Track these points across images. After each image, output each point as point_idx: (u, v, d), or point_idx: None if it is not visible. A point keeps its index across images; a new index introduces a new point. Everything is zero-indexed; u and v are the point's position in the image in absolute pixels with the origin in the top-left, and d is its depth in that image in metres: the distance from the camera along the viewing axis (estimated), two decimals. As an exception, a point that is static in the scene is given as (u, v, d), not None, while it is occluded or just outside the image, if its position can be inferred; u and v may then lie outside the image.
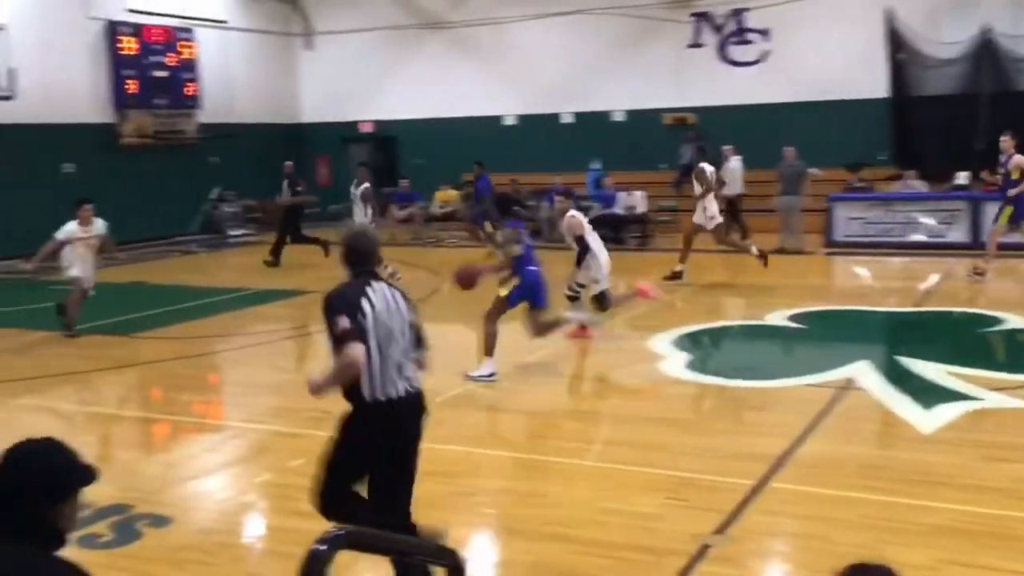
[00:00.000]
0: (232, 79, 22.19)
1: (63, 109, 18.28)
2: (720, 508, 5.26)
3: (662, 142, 20.08)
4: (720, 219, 13.40)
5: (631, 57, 20.60)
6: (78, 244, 10.86)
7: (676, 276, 13.19)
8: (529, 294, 8.47)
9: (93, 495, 5.48)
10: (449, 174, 20.93)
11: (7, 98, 16.13)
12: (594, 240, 9.91)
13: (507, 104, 21.87)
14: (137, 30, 19.79)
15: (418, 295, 12.97)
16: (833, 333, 10.49)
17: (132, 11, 19.77)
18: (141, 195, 18.94)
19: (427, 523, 4.24)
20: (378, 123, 23.40)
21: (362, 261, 4.31)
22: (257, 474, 6.30)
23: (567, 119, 21.54)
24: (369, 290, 4.15)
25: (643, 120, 20.50)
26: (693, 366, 8.71)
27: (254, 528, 5.58)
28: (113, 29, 19.37)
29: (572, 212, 9.96)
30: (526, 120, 21.83)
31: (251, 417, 7.68)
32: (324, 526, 2.47)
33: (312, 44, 24.07)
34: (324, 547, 2.31)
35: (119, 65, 19.47)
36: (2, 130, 17.03)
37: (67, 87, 18.46)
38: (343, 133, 23.79)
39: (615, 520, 5.21)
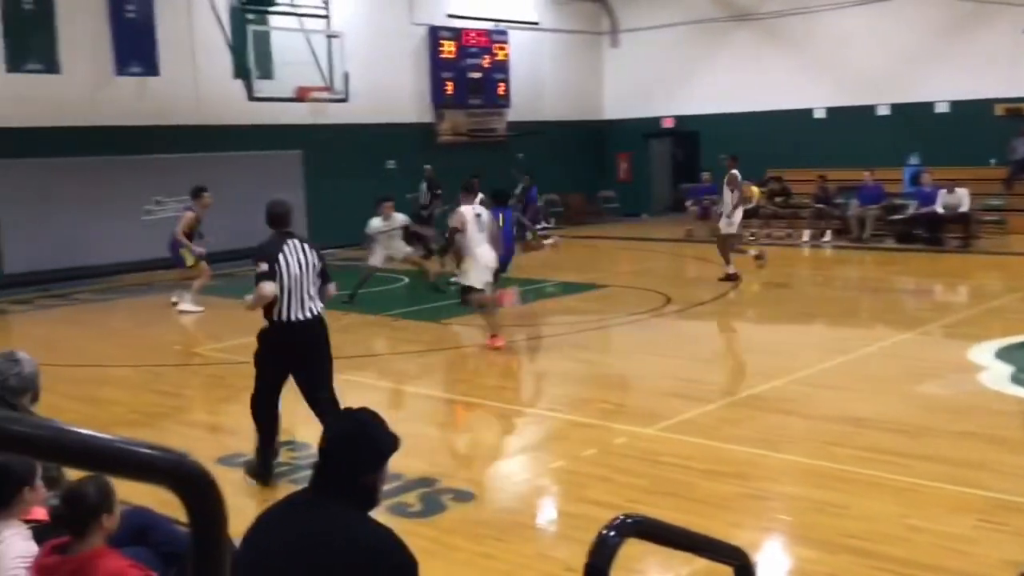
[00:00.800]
0: (540, 78, 22.97)
1: (388, 109, 19.80)
2: (1045, 537, 4.77)
3: (992, 135, 18.39)
4: (735, 230, 13.39)
5: (958, 43, 19.05)
6: (382, 236, 12.77)
7: (731, 278, 13.24)
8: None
9: (404, 468, 5.92)
10: (753, 169, 20.37)
11: (342, 100, 17.69)
12: (477, 238, 9.65)
13: (817, 96, 20.97)
14: (456, 34, 21.01)
15: (715, 293, 12.85)
16: None
17: (452, 16, 21.02)
18: (454, 190, 20.08)
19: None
20: (680, 118, 23.28)
21: (279, 223, 5.89)
22: (552, 460, 6.50)
23: (883, 111, 20.30)
24: (284, 245, 5.76)
25: (970, 111, 18.88)
26: (1020, 380, 7.92)
27: (547, 511, 5.76)
28: (435, 34, 20.70)
29: (461, 209, 9.81)
30: (837, 112, 20.82)
31: (549, 405, 7.94)
32: (613, 514, 2.51)
33: (617, 42, 24.37)
34: (613, 534, 2.34)
35: (439, 67, 20.78)
36: (338, 129, 18.74)
37: (393, 89, 19.97)
38: (644, 129, 23.90)
39: (921, 539, 4.87)
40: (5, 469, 3.33)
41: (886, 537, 4.90)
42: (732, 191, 13.37)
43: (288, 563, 2.55)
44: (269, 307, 5.73)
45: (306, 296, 5.75)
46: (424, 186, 17.64)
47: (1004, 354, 8.78)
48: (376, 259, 12.89)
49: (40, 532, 3.39)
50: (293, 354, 5.85)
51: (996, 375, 8.07)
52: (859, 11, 19.95)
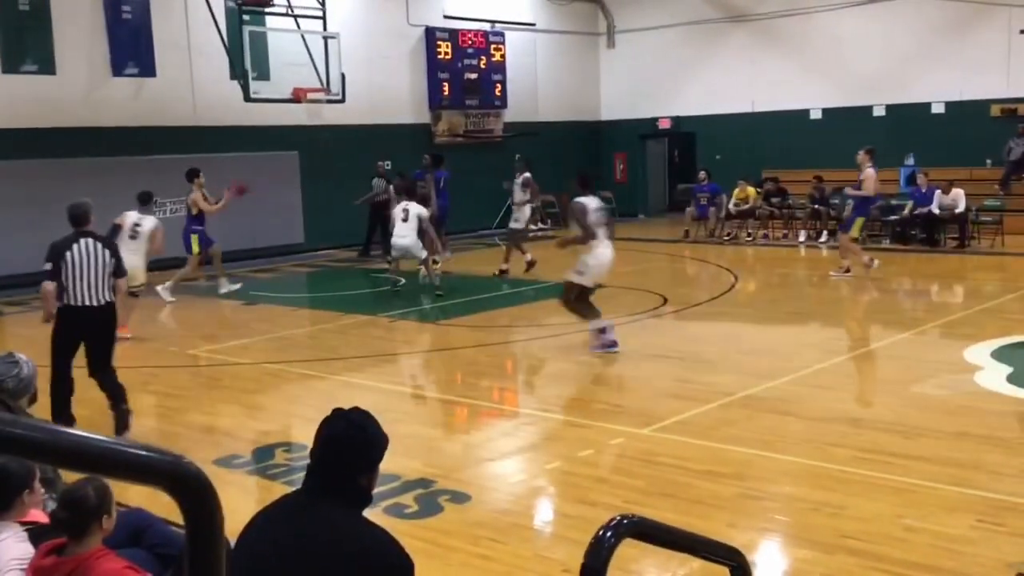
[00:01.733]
0: (536, 79, 22.98)
1: (385, 111, 19.80)
2: (1042, 537, 4.77)
3: (988, 136, 18.43)
4: (522, 226, 14.94)
5: (954, 44, 19.07)
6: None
7: (503, 273, 14.62)
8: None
9: (401, 469, 5.93)
10: (749, 170, 20.42)
11: (339, 101, 17.67)
12: (129, 245, 10.29)
13: (813, 97, 21.00)
14: (452, 35, 21.01)
15: (712, 293, 12.86)
16: None
17: (448, 17, 21.02)
18: (451, 190, 20.05)
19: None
20: (676, 119, 23.29)
21: (76, 223, 6.89)
22: (548, 461, 6.50)
23: (879, 112, 20.33)
24: (74, 243, 6.80)
25: (966, 112, 18.92)
26: (1016, 380, 7.94)
27: (544, 512, 5.77)
28: (431, 35, 20.69)
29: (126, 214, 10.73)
30: (834, 113, 20.85)
31: (544, 406, 7.94)
32: (610, 515, 2.51)
33: (614, 42, 24.38)
34: (609, 534, 2.34)
35: (435, 68, 20.78)
36: (334, 130, 18.73)
37: (389, 90, 19.97)
38: (641, 130, 23.91)
39: (918, 539, 4.87)
40: (5, 473, 3.32)
41: (883, 537, 4.90)
42: (526, 192, 15.04)
43: (283, 565, 2.54)
44: (60, 295, 6.83)
45: (93, 287, 6.81)
46: (382, 182, 17.60)
47: (1000, 354, 8.80)
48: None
49: (36, 534, 3.39)
50: (78, 335, 6.93)
51: (992, 375, 8.09)
52: (854, 12, 19.98)
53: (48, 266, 6.81)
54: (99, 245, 6.95)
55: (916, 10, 19.31)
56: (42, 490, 3.55)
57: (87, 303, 6.83)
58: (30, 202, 15.12)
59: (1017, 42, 18.31)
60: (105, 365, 7.03)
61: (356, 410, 2.75)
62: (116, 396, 7.02)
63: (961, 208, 16.85)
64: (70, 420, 6.85)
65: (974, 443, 6.42)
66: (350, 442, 2.66)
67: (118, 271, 7.07)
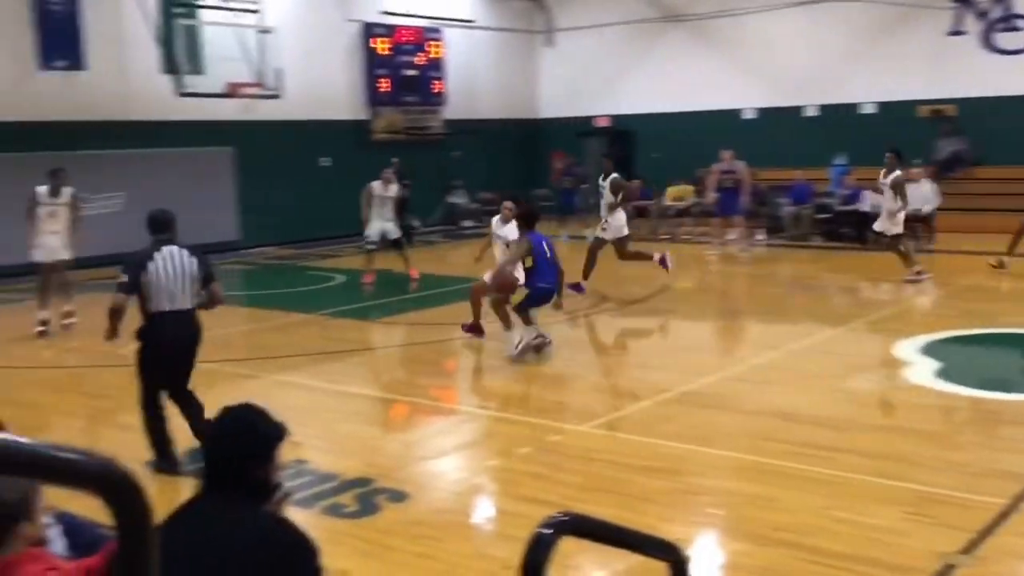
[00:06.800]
0: (475, 76, 22.95)
1: (322, 107, 19.60)
2: (967, 527, 4.91)
3: (916, 136, 18.87)
4: (627, 232, 13.06)
5: (882, 46, 19.53)
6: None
7: (577, 288, 12.21)
8: None
9: (340, 468, 5.88)
10: (685, 169, 20.66)
11: (274, 96, 17.44)
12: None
13: (747, 97, 21.33)
14: (390, 31, 20.87)
15: (649, 291, 12.98)
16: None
17: (386, 13, 20.88)
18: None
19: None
20: (615, 118, 23.45)
21: (158, 230, 6.12)
22: (487, 458, 6.50)
23: (811, 112, 20.72)
24: (156, 253, 5.99)
25: (895, 113, 19.36)
26: (943, 375, 8.15)
27: (483, 510, 5.76)
28: (368, 31, 20.53)
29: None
30: (767, 113, 21.19)
31: (482, 403, 7.94)
32: (549, 512, 2.52)
33: (553, 41, 24.46)
34: (549, 531, 2.34)
35: (373, 64, 20.63)
36: (270, 126, 18.48)
37: (326, 86, 19.77)
38: (579, 128, 24.03)
39: (849, 531, 4.97)
40: None
41: (814, 529, 5.00)
42: (615, 195, 13.72)
43: (191, 567, 2.51)
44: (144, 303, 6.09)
45: (176, 295, 6.05)
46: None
47: (929, 350, 9.02)
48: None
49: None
50: (167, 345, 6.16)
51: (922, 370, 8.28)
52: (786, 14, 20.31)
53: (123, 278, 6.03)
54: (184, 254, 6.12)
55: (845, 13, 19.68)
56: (45, 519, 3.09)
57: (168, 309, 6.04)
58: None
59: (943, 45, 18.74)
60: (186, 384, 6.32)
61: (242, 405, 2.78)
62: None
63: (933, 205, 17.00)
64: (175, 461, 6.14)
65: (903, 437, 6.58)
66: (240, 436, 2.69)
67: (207, 277, 6.26)
